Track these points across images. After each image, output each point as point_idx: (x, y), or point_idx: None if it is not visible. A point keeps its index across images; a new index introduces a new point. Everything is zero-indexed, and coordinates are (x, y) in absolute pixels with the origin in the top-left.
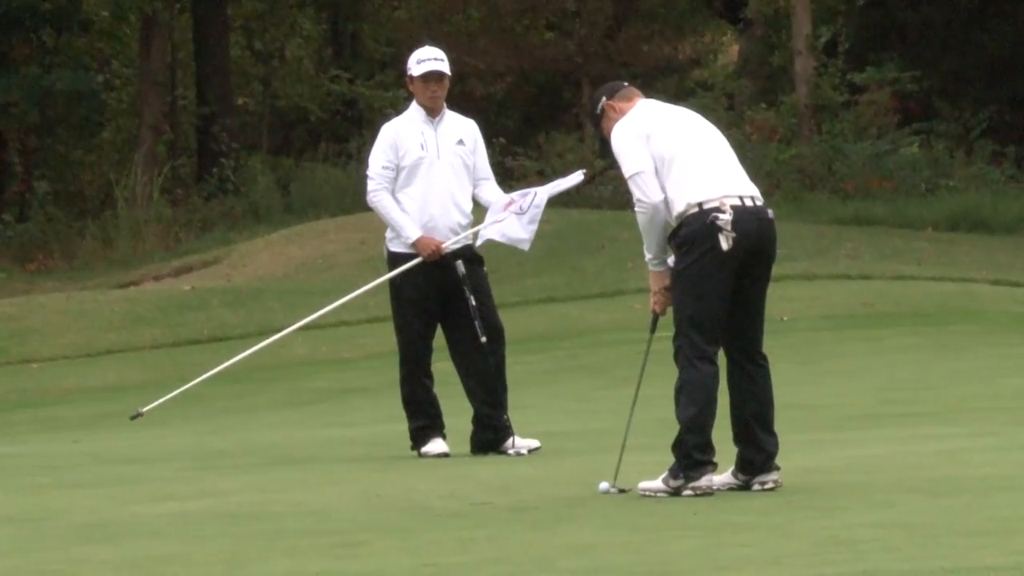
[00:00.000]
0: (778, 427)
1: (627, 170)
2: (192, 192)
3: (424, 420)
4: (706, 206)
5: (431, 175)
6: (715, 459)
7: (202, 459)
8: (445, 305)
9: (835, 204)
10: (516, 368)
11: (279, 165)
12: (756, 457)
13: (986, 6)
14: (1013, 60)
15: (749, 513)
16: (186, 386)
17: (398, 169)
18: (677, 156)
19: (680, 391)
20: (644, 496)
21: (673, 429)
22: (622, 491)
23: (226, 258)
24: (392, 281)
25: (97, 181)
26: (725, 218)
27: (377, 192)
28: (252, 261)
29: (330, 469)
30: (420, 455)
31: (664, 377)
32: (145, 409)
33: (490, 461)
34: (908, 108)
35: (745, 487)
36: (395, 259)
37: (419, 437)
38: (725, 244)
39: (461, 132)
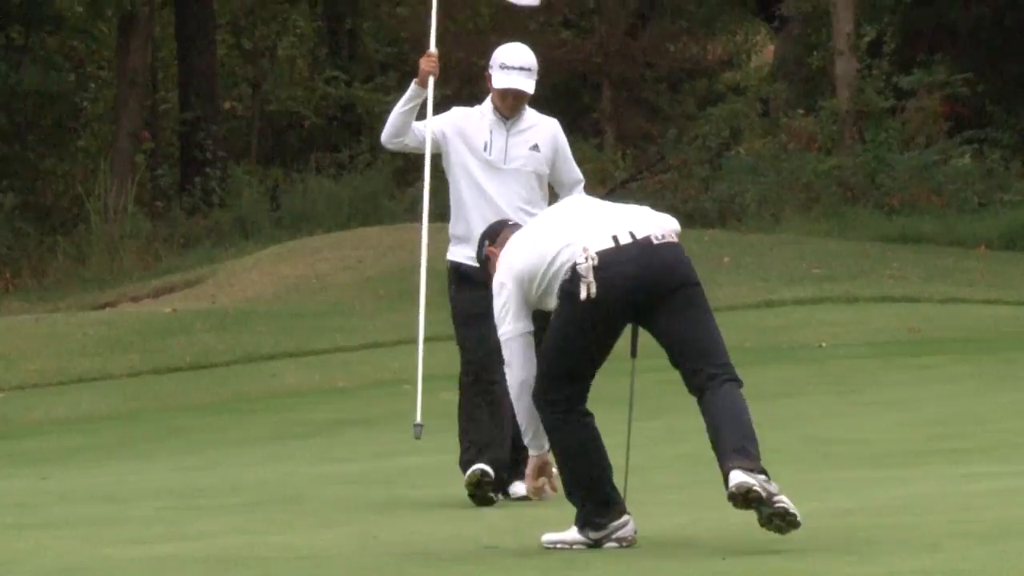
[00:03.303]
0: (814, 462)
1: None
2: (174, 205)
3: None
4: (569, 262)
5: (493, 184)
6: (616, 519)
7: (184, 497)
8: None
9: (879, 220)
10: None
11: (269, 175)
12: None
13: None
14: None
15: (783, 557)
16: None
17: (451, 165)
18: (544, 253)
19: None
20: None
21: (694, 463)
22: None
23: (211, 277)
24: (448, 296)
25: (70, 192)
26: (584, 265)
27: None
28: (239, 281)
29: (323, 509)
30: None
31: (689, 409)
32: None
33: (499, 501)
34: (960, 115)
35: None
36: (455, 270)
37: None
38: (583, 293)
39: (538, 135)
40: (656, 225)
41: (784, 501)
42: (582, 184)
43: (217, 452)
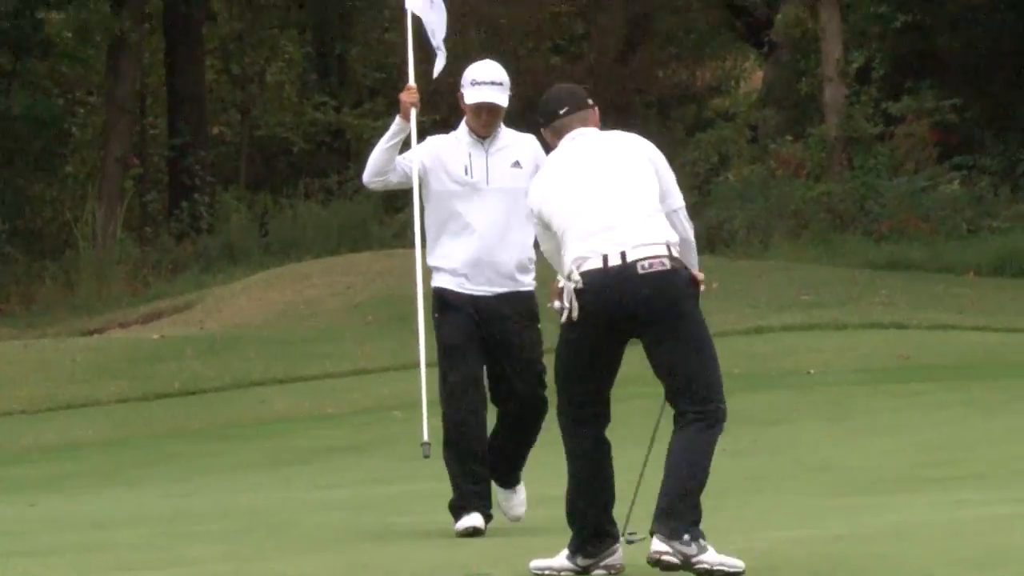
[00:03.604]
0: (803, 489)
1: None
2: (162, 230)
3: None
4: (567, 274)
5: (477, 207)
6: (607, 548)
7: (173, 524)
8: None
9: (868, 246)
10: None
11: (257, 201)
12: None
13: None
14: None
15: None
16: None
17: (432, 194)
18: (561, 225)
19: None
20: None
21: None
22: (629, 541)
23: (199, 303)
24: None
25: (59, 218)
26: (568, 288)
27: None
28: (228, 307)
29: (313, 536)
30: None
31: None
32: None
33: (489, 528)
34: (948, 141)
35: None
36: (440, 297)
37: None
38: (564, 316)
39: (518, 152)
40: (649, 246)
41: (705, 561)
42: None
43: (206, 478)
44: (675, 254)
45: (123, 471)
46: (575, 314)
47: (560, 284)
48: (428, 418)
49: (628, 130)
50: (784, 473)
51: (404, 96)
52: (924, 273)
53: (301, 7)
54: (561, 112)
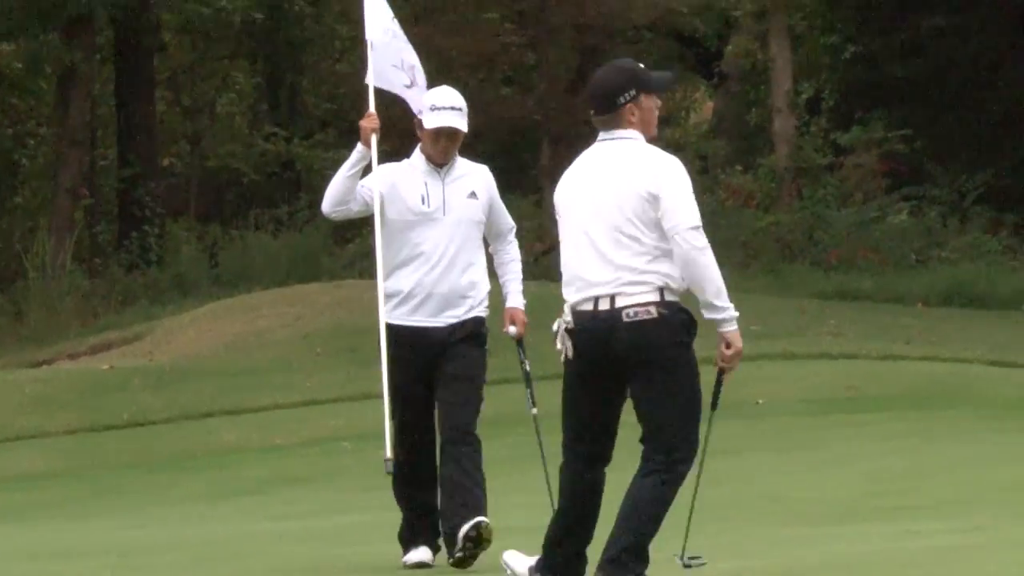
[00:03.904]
0: (753, 520)
1: None
2: (112, 262)
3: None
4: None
5: (433, 236)
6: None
7: (123, 556)
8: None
9: (817, 277)
10: None
11: (207, 232)
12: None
13: (983, 62)
14: (1012, 120)
15: None
16: None
17: (387, 223)
18: (563, 257)
19: None
20: None
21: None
22: (687, 566)
23: (148, 335)
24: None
25: (8, 249)
26: (560, 328)
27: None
28: (177, 338)
29: (262, 567)
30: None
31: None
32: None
33: (440, 558)
34: (897, 171)
35: None
36: (392, 332)
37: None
38: (568, 351)
39: (474, 183)
40: (639, 293)
41: None
42: (514, 230)
43: (155, 510)
44: (671, 297)
45: (72, 503)
46: (569, 353)
47: (556, 324)
48: (391, 434)
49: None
50: (733, 504)
51: (364, 123)
52: (873, 303)
53: (252, 38)
54: (592, 113)
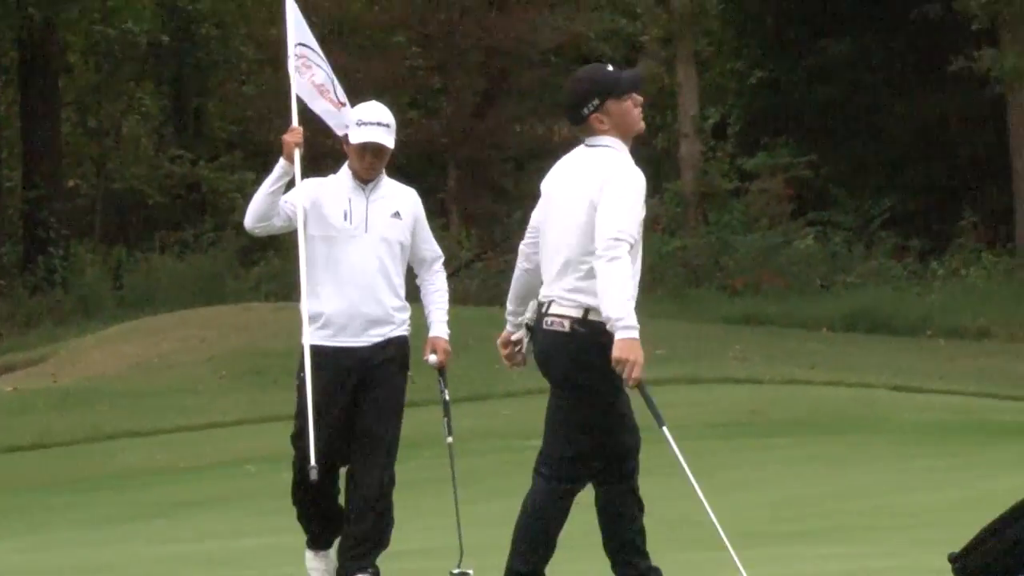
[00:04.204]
0: (657, 544)
1: None
2: (16, 283)
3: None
4: None
5: (354, 253)
6: None
7: None
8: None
9: (722, 301)
10: None
11: (112, 254)
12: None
13: (887, 88)
14: (917, 146)
15: None
16: None
17: (308, 239)
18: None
19: None
20: None
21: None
22: None
23: (53, 356)
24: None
25: None
26: (519, 334)
27: None
28: (81, 360)
29: None
30: None
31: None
32: None
33: None
34: (803, 197)
35: None
36: (310, 353)
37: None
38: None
39: (398, 204)
40: (566, 305)
41: None
42: (441, 259)
43: (59, 533)
44: (596, 318)
45: None
46: (531, 357)
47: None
48: (315, 443)
49: (484, 185)
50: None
51: (287, 137)
52: (778, 328)
53: (158, 60)
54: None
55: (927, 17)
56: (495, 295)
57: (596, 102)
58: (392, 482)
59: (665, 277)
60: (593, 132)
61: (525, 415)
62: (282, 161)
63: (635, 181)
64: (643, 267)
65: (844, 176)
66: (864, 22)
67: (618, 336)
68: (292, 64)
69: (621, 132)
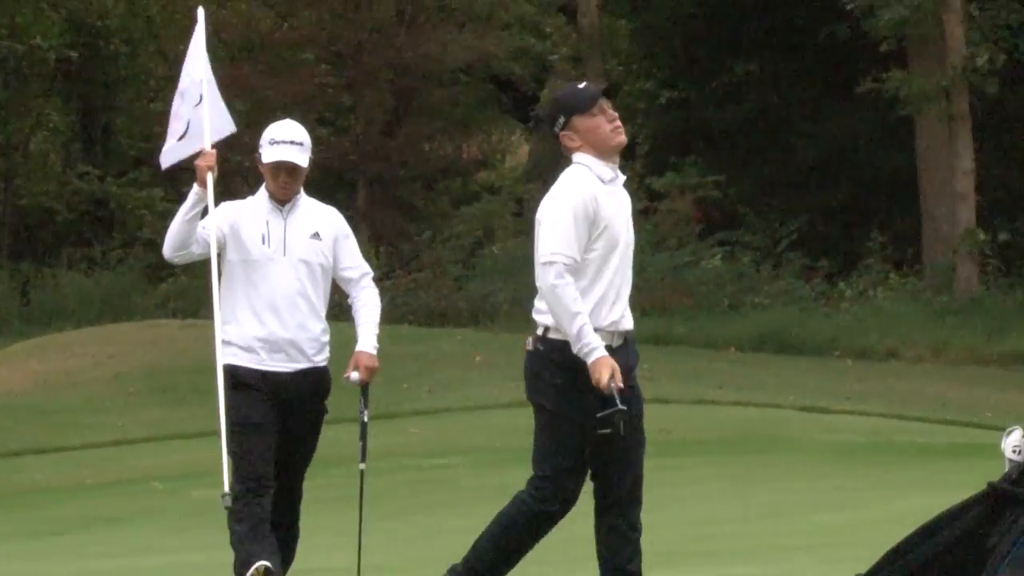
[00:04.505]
0: (563, 565)
1: None
2: None
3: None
4: None
5: (273, 277)
6: None
7: None
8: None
9: None
10: None
11: (20, 270)
12: None
13: (796, 109)
14: (825, 167)
15: None
16: None
17: (226, 263)
18: None
19: None
20: None
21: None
22: None
23: None
24: (223, 401)
25: None
26: None
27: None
28: None
29: None
30: None
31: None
32: None
33: None
34: (711, 217)
35: None
36: (231, 374)
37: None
38: None
39: (318, 224)
40: (538, 327)
41: None
42: (370, 275)
43: None
44: (555, 336)
45: None
46: None
47: None
48: (229, 467)
49: (393, 203)
50: (547, 547)
51: (200, 162)
52: (686, 348)
53: (66, 76)
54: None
55: (836, 38)
56: (404, 313)
57: (562, 120)
58: (300, 499)
59: None
60: (568, 150)
61: (432, 434)
62: (196, 187)
63: (570, 200)
64: None
65: (753, 196)
66: (773, 43)
67: (588, 362)
68: (205, 85)
69: (595, 148)
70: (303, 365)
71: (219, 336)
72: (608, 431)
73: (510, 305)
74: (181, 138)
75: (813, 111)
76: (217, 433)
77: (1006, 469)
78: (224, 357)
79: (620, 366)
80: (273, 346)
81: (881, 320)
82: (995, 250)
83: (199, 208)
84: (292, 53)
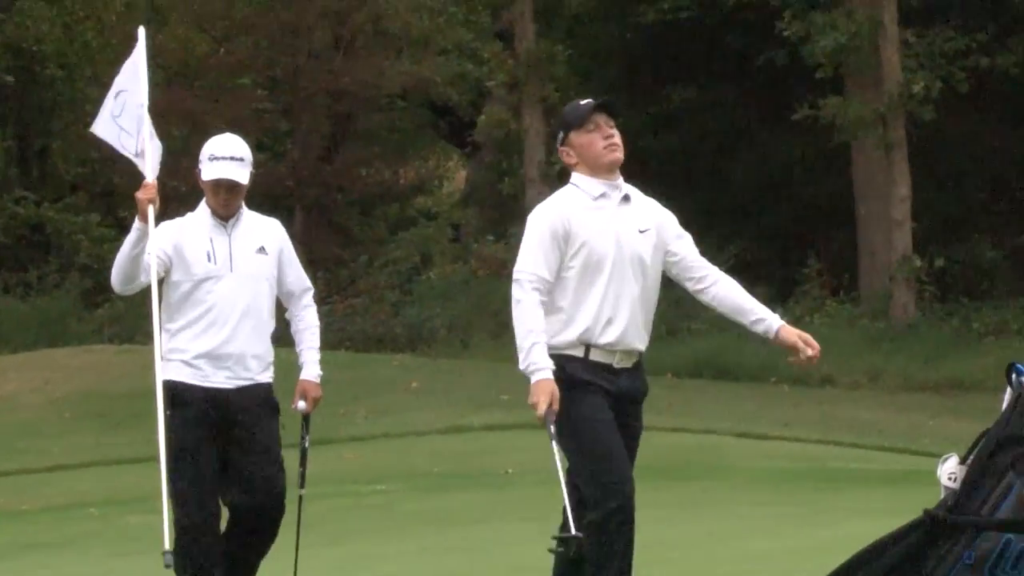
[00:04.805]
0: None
1: None
2: None
3: None
4: None
5: (220, 294)
6: None
7: None
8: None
9: None
10: None
11: None
12: None
13: (734, 135)
14: (762, 193)
15: None
16: None
17: (171, 283)
18: None
19: None
20: None
21: None
22: None
23: None
24: (163, 421)
25: None
26: None
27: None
28: None
29: None
30: None
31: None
32: None
33: None
34: None
35: None
36: (171, 390)
37: None
38: None
39: (263, 238)
40: None
41: None
42: (311, 292)
43: None
44: (551, 351)
45: None
46: None
47: None
48: (170, 524)
49: (330, 228)
50: (482, 573)
51: (140, 195)
52: None
53: (2, 101)
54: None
55: (773, 64)
56: (340, 339)
57: (561, 136)
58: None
59: (510, 322)
60: (568, 167)
61: (368, 459)
62: (137, 222)
63: (540, 220)
64: (489, 312)
65: (690, 222)
66: (711, 69)
67: (530, 382)
68: (144, 107)
69: (588, 165)
70: (246, 382)
71: (159, 359)
72: (560, 550)
73: (447, 331)
74: (122, 134)
75: (751, 137)
76: (156, 459)
77: (942, 496)
78: (165, 372)
79: (621, 390)
80: (217, 362)
81: None
82: (931, 277)
83: (143, 244)
84: (229, 78)
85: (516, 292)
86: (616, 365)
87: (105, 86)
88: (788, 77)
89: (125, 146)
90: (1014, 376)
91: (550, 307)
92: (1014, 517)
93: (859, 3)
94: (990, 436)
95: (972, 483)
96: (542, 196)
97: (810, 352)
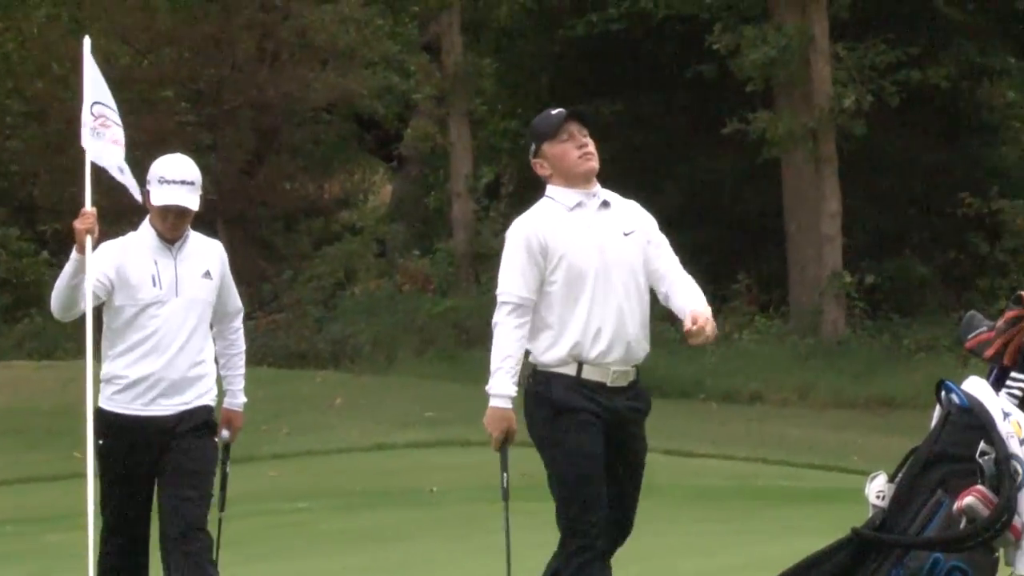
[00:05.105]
0: None
1: None
2: None
3: None
4: None
5: (163, 318)
6: None
7: None
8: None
9: None
10: None
11: None
12: None
13: (663, 149)
14: (691, 207)
15: None
16: None
17: (114, 307)
18: None
19: None
20: None
21: None
22: None
23: None
24: (95, 447)
25: None
26: None
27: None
28: None
29: None
30: None
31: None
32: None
33: None
34: None
35: None
36: (105, 418)
37: None
38: None
39: (208, 261)
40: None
41: None
42: (242, 313)
43: None
44: (541, 368)
45: None
46: None
47: None
48: (95, 557)
49: (253, 243)
50: None
51: (78, 224)
52: None
53: None
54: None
55: (703, 77)
56: (263, 355)
57: (534, 148)
58: (210, 544)
59: (436, 338)
60: (543, 179)
61: (291, 477)
62: (74, 254)
63: (515, 237)
64: (414, 327)
65: None
66: (640, 83)
67: (489, 404)
68: (86, 131)
69: (562, 176)
70: (184, 407)
71: (90, 385)
72: None
73: (371, 347)
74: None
75: (680, 151)
76: (79, 478)
77: (870, 514)
78: (101, 400)
79: (615, 413)
80: (159, 388)
81: (747, 362)
82: (862, 293)
83: (82, 275)
84: (152, 90)
85: (495, 314)
86: (610, 384)
87: (26, 99)
88: (718, 91)
89: (122, 169)
90: (943, 393)
91: (539, 324)
92: (943, 535)
93: (789, 17)
94: (919, 454)
95: (901, 501)
96: (468, 210)
97: (689, 324)
